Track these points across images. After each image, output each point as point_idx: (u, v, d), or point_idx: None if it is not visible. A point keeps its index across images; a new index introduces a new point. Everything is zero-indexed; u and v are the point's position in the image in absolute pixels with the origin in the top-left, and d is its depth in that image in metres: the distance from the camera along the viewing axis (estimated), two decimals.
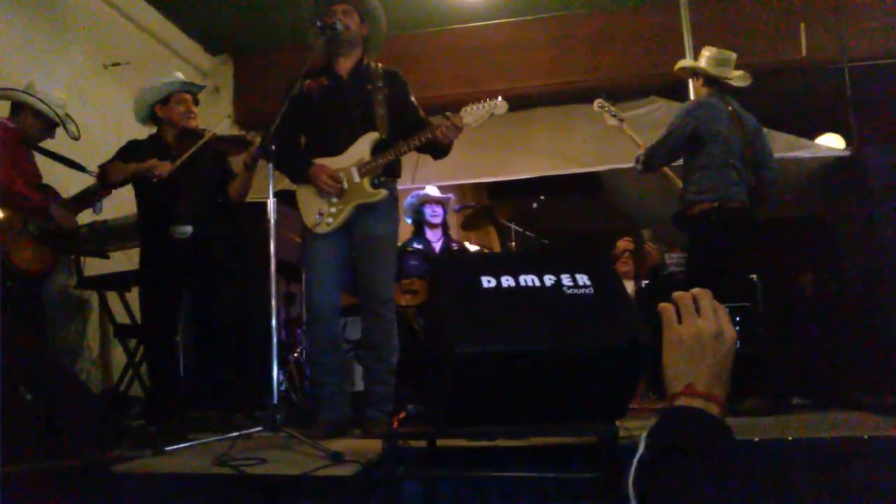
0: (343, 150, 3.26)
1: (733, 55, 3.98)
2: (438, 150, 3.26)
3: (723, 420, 0.97)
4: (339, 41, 3.29)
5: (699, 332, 1.01)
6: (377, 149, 3.23)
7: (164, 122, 3.67)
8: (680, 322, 1.03)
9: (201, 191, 3.59)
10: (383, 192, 3.23)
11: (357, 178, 3.22)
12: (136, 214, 4.16)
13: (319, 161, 3.26)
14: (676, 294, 1.04)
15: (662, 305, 1.05)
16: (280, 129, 3.02)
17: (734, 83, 3.95)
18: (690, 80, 4.38)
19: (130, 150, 3.62)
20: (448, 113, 3.17)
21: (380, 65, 3.43)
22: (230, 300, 3.74)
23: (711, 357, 1.00)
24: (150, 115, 3.71)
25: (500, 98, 3.18)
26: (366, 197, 3.22)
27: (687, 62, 4.22)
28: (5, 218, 3.44)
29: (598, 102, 4.26)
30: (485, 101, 3.17)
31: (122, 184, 3.59)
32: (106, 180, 3.58)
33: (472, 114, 3.15)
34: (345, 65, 3.37)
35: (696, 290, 1.04)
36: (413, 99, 3.41)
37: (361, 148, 3.24)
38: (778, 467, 2.24)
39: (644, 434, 0.98)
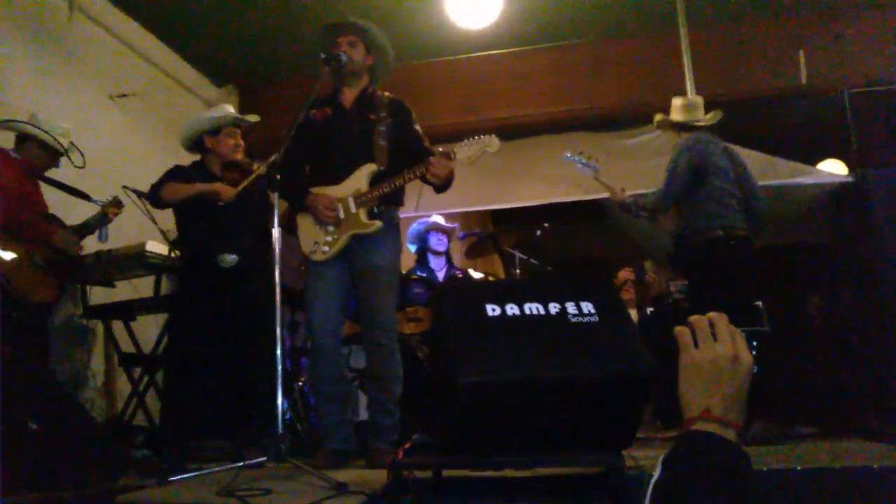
0: (343, 179, 3.28)
1: (699, 99, 4.18)
2: (435, 185, 3.26)
3: (739, 445, 0.97)
4: (343, 72, 3.34)
5: (716, 356, 1.01)
6: (375, 180, 3.25)
7: (211, 152, 3.77)
8: (696, 347, 1.03)
9: (246, 222, 3.66)
10: (378, 224, 3.23)
11: (353, 209, 3.23)
12: (140, 244, 4.21)
13: (319, 190, 3.28)
14: (693, 318, 1.05)
15: (679, 329, 1.05)
16: (285, 157, 3.06)
17: (705, 123, 4.05)
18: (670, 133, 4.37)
19: (178, 174, 3.70)
20: (440, 149, 3.20)
21: (386, 94, 3.45)
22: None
23: (728, 382, 1.00)
24: (196, 143, 3.79)
25: (492, 135, 3.21)
26: (361, 228, 3.23)
27: (658, 117, 4.26)
28: (11, 249, 3.46)
29: (567, 156, 4.33)
30: (478, 137, 3.20)
31: (174, 205, 3.65)
32: (159, 201, 3.63)
33: (464, 150, 3.19)
34: (349, 95, 3.41)
35: (712, 315, 1.04)
36: (418, 128, 3.42)
37: (359, 178, 3.26)
38: (788, 498, 2.22)
39: (660, 458, 0.98)
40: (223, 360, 3.66)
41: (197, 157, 3.89)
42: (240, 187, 3.44)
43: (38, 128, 3.72)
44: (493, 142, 3.20)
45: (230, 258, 3.55)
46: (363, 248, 3.26)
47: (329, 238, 3.26)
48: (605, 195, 4.34)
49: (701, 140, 3.93)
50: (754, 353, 1.05)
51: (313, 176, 3.38)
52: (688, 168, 3.82)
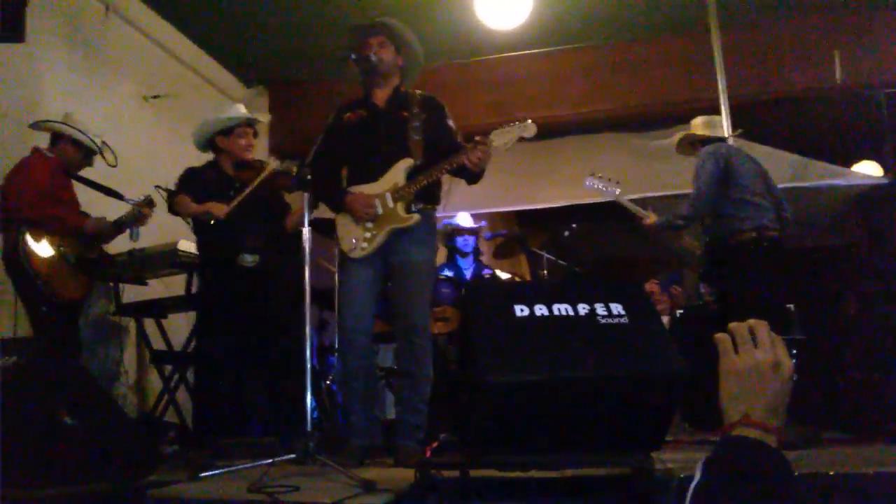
0: (379, 176, 3.29)
1: (719, 118, 4.23)
2: (470, 174, 3.26)
3: (780, 451, 0.97)
4: (374, 73, 3.35)
5: (757, 363, 1.01)
6: (411, 174, 3.25)
7: (224, 152, 3.80)
8: (737, 353, 1.03)
9: (263, 222, 3.71)
10: (416, 217, 3.23)
11: (391, 204, 3.24)
12: (172, 243, 4.27)
13: (357, 188, 3.31)
14: (733, 325, 1.04)
15: (719, 335, 1.05)
16: (321, 160, 3.09)
17: (730, 140, 4.09)
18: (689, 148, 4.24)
19: (190, 179, 3.75)
20: (477, 137, 3.17)
21: (418, 91, 3.46)
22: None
23: (769, 388, 1.00)
24: (209, 143, 3.84)
25: (529, 120, 3.17)
26: (399, 222, 3.23)
27: (678, 136, 4.20)
28: (42, 243, 3.53)
29: (587, 183, 4.32)
30: (513, 123, 3.17)
31: (184, 216, 3.70)
32: (176, 212, 3.69)
33: (501, 137, 3.15)
34: (382, 94, 3.43)
35: (752, 321, 1.04)
36: (451, 123, 3.42)
37: (396, 174, 3.26)
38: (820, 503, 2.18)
39: (700, 462, 0.98)
40: (251, 358, 3.70)
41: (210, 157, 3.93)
42: (233, 203, 3.48)
43: (73, 127, 3.81)
44: (529, 126, 3.16)
45: (250, 258, 3.60)
46: (400, 244, 3.27)
47: (368, 234, 3.27)
48: (633, 197, 4.31)
49: (722, 146, 3.94)
50: (794, 360, 1.04)
51: (351, 176, 3.40)
52: (715, 170, 3.79)
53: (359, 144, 3.36)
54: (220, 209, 3.50)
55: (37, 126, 3.85)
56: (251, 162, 3.70)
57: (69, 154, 3.83)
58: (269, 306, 3.69)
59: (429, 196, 3.32)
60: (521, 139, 3.17)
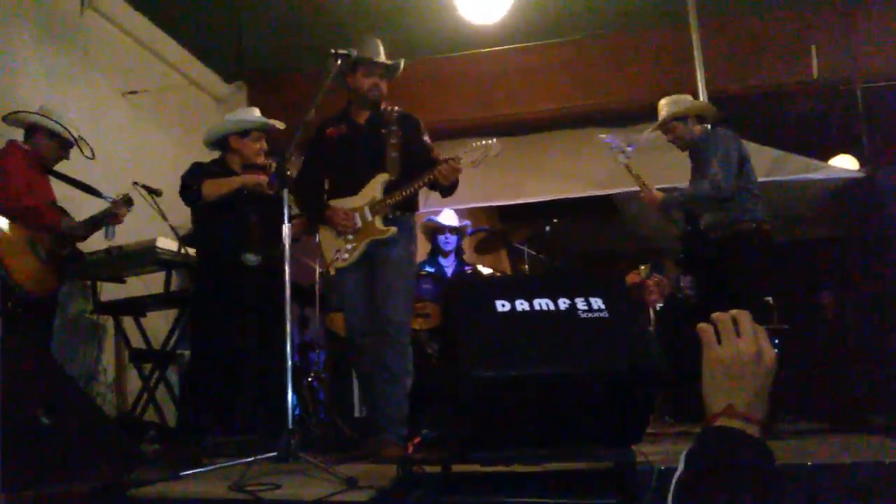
0: (358, 190, 3.46)
1: (686, 96, 4.14)
2: (442, 188, 3.43)
3: (763, 441, 0.97)
4: (365, 99, 3.51)
5: (739, 353, 1.01)
6: (388, 189, 3.42)
7: (235, 152, 3.82)
8: (720, 343, 1.03)
9: (269, 222, 3.69)
10: (393, 230, 3.40)
11: (370, 217, 3.42)
12: (151, 240, 4.23)
13: (337, 202, 3.47)
14: (716, 315, 1.05)
15: (702, 326, 1.05)
16: (305, 176, 3.46)
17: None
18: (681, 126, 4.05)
19: (203, 172, 3.74)
20: (448, 158, 3.35)
21: (396, 108, 3.61)
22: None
23: (751, 378, 1.00)
24: (220, 141, 3.83)
25: (494, 140, 3.37)
26: (378, 234, 3.41)
27: (666, 111, 4.04)
28: (13, 235, 3.47)
29: (607, 136, 4.24)
30: (481, 142, 3.37)
31: (211, 201, 3.64)
32: (198, 198, 3.63)
33: (469, 155, 3.35)
34: (363, 114, 3.58)
35: (735, 312, 1.04)
36: (426, 139, 3.60)
37: (374, 188, 3.44)
38: (799, 494, 2.21)
39: (683, 454, 0.98)
40: (249, 356, 3.70)
41: (215, 155, 3.94)
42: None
43: (49, 118, 3.73)
44: (494, 147, 3.35)
45: (253, 258, 3.62)
46: (380, 251, 3.42)
47: (349, 246, 3.44)
48: (616, 191, 4.30)
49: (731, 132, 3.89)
50: (776, 351, 1.04)
51: (332, 189, 3.55)
52: (737, 154, 3.74)
53: (339, 159, 3.54)
54: (265, 181, 3.62)
55: (12, 118, 3.77)
56: (261, 166, 3.78)
57: (45, 146, 3.75)
58: (272, 307, 3.67)
59: (406, 205, 3.47)
60: (486, 157, 3.35)
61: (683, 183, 4.03)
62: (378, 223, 3.41)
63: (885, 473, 2.30)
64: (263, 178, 3.67)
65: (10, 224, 3.50)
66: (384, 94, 3.54)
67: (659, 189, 4.04)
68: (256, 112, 3.96)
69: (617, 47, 5.86)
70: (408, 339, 3.39)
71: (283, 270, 3.00)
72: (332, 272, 3.51)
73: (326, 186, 3.59)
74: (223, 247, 3.66)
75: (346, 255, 3.43)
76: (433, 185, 3.41)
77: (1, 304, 3.41)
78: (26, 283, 3.51)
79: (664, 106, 4.05)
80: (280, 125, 3.98)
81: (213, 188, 3.64)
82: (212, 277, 3.70)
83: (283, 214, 3.75)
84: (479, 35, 5.72)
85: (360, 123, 3.56)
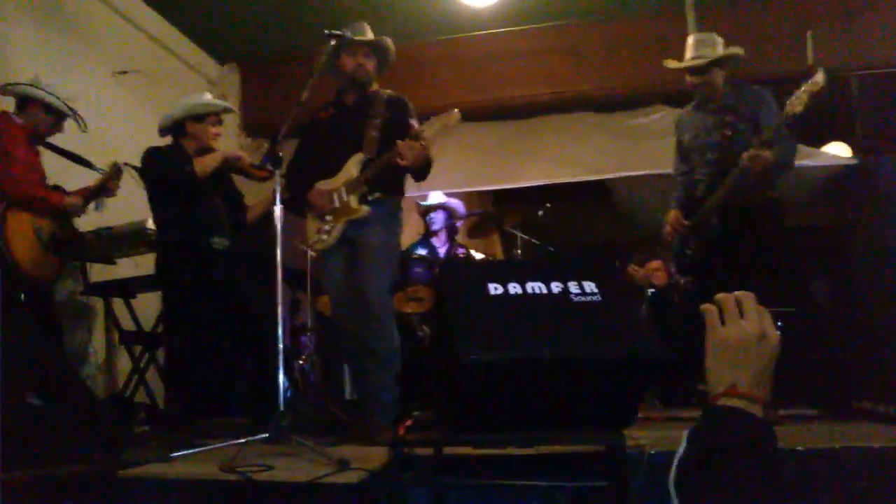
0: (338, 171, 3.43)
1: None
2: (411, 171, 3.36)
3: (765, 421, 0.97)
4: (353, 80, 3.49)
5: (743, 333, 1.01)
6: (364, 168, 3.39)
7: (191, 137, 3.75)
8: (723, 324, 1.03)
9: (231, 205, 3.78)
10: (366, 209, 3.35)
11: (346, 197, 3.39)
12: (141, 221, 4.19)
13: (320, 184, 3.45)
14: (720, 296, 1.05)
15: (705, 307, 1.05)
16: (296, 160, 3.47)
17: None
18: (710, 78, 3.72)
19: (165, 155, 3.70)
20: (408, 136, 3.24)
21: (387, 92, 3.57)
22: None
23: (755, 358, 1.00)
24: (176, 127, 3.77)
25: (455, 110, 3.29)
26: (352, 214, 3.37)
27: (727, 51, 3.70)
28: (18, 222, 3.43)
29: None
30: (440, 114, 3.29)
31: (207, 176, 3.63)
32: (194, 181, 3.58)
33: (429, 128, 3.26)
34: (352, 96, 3.56)
35: (738, 293, 1.04)
36: (414, 122, 3.47)
37: (350, 168, 3.41)
38: (790, 478, 2.22)
39: (685, 433, 0.98)
40: (223, 341, 3.67)
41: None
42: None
43: (43, 89, 3.64)
44: (454, 116, 3.26)
45: (224, 241, 3.60)
46: (359, 232, 3.38)
47: (327, 227, 3.41)
48: (610, 176, 4.22)
49: None
50: (779, 332, 1.04)
51: (314, 172, 3.51)
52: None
53: (324, 141, 3.52)
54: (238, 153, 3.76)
55: (4, 90, 3.67)
56: (210, 148, 3.74)
57: (40, 119, 3.64)
58: (240, 289, 3.66)
59: (388, 185, 3.41)
60: (446, 127, 3.26)
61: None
62: (353, 203, 3.37)
63: (874, 458, 2.32)
64: (239, 151, 3.69)
65: (18, 212, 3.43)
66: (371, 73, 3.50)
67: (644, 175, 3.96)
68: (208, 96, 3.93)
69: (613, 33, 5.82)
70: (391, 321, 3.36)
71: (275, 254, 2.99)
72: (314, 254, 3.54)
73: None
74: (190, 229, 3.59)
75: (325, 237, 3.41)
76: (401, 166, 3.28)
77: (3, 290, 3.38)
78: (31, 270, 3.48)
79: (700, 44, 3.67)
80: (233, 108, 3.96)
81: (202, 167, 3.60)
82: (182, 262, 3.62)
83: (242, 197, 3.84)
84: (474, 18, 5.68)
85: (348, 105, 3.55)
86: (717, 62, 3.67)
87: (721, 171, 3.58)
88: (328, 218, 3.41)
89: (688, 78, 3.74)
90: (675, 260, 4.08)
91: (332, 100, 3.63)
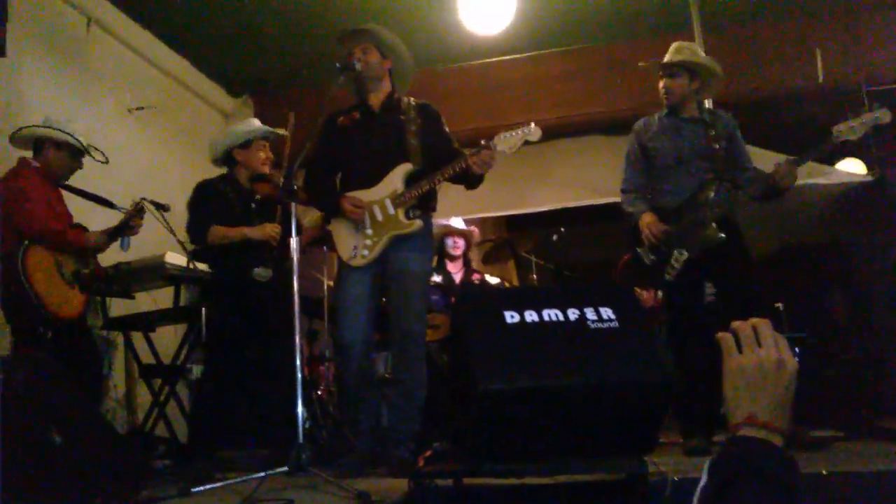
0: (376, 181, 3.27)
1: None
2: (472, 179, 3.24)
3: (786, 450, 0.97)
4: (363, 79, 3.35)
5: (760, 361, 1.01)
6: (410, 180, 3.24)
7: (241, 165, 3.81)
8: (740, 352, 1.03)
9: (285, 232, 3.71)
10: (418, 223, 3.22)
11: (392, 210, 3.22)
12: (159, 256, 4.23)
13: (353, 194, 3.27)
14: (736, 324, 1.04)
15: (722, 335, 1.05)
16: (315, 165, 3.21)
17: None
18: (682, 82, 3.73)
19: (207, 194, 3.75)
20: (483, 141, 3.15)
21: (412, 99, 3.45)
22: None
23: (773, 387, 1.00)
24: (225, 157, 3.83)
25: (533, 124, 3.16)
26: (401, 228, 3.22)
27: (698, 60, 3.71)
28: (41, 261, 3.45)
29: None
30: (518, 127, 3.16)
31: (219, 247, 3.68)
32: (203, 244, 3.66)
33: (505, 141, 3.14)
34: (376, 99, 3.41)
35: (755, 321, 1.04)
36: (446, 129, 3.40)
37: (395, 179, 3.25)
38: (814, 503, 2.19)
39: (706, 464, 0.98)
40: (264, 371, 3.68)
41: (222, 170, 3.94)
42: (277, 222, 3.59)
43: (55, 127, 3.64)
44: (534, 131, 3.15)
45: (264, 272, 3.59)
46: (399, 252, 3.25)
47: (368, 241, 3.24)
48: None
49: None
50: (797, 358, 1.04)
51: (346, 181, 3.37)
52: None
53: (354, 148, 3.34)
54: (275, 231, 3.59)
55: (18, 137, 3.69)
56: (268, 175, 3.72)
57: (56, 159, 3.64)
58: (283, 321, 3.67)
59: (425, 201, 3.30)
60: (526, 143, 3.16)
61: None
62: (401, 217, 3.21)
63: None
64: (272, 232, 3.60)
65: (37, 249, 3.42)
66: (371, 64, 3.32)
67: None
68: (257, 122, 3.96)
69: (619, 55, 5.85)
70: (423, 350, 3.29)
71: (292, 283, 2.99)
72: (353, 266, 3.28)
73: (340, 178, 3.43)
74: (233, 262, 3.64)
75: (367, 252, 3.23)
76: (459, 177, 3.20)
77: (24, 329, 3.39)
78: (54, 306, 3.43)
79: (680, 50, 3.71)
80: (281, 132, 3.96)
81: (218, 237, 3.64)
82: (224, 293, 3.69)
83: (290, 229, 3.79)
84: (482, 45, 5.74)
85: (375, 110, 3.38)
86: (691, 67, 3.66)
87: (710, 182, 3.53)
88: (369, 232, 3.24)
89: (660, 83, 3.72)
90: (650, 276, 3.91)
91: (351, 105, 3.47)
